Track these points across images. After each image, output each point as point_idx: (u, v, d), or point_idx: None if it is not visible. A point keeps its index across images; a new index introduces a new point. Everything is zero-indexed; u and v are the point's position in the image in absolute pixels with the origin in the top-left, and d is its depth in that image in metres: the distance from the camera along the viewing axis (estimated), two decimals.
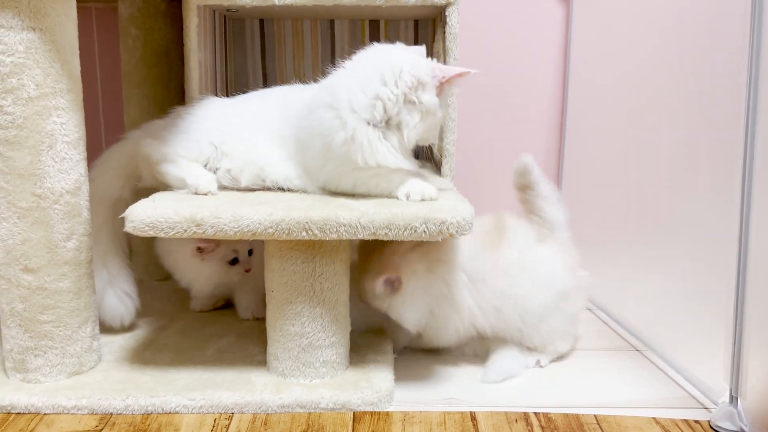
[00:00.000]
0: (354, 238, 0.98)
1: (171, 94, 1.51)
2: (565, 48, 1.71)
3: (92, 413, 0.99)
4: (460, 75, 1.05)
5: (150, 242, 1.41)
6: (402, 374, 1.13)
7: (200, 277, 1.30)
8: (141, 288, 1.54)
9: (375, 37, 1.64)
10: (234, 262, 1.27)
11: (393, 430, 0.96)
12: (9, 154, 0.97)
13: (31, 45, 0.96)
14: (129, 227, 0.97)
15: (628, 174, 1.36)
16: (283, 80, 1.64)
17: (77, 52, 1.04)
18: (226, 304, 1.41)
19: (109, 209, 1.20)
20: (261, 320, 1.32)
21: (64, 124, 1.01)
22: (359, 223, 0.97)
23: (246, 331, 1.27)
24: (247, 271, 1.28)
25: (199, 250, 1.23)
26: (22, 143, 0.97)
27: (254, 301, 1.33)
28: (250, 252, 1.28)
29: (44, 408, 1.00)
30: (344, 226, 0.96)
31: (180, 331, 1.27)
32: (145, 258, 1.56)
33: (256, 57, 1.64)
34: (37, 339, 1.03)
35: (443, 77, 1.04)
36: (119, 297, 1.22)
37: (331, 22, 1.63)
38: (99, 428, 0.96)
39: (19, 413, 0.99)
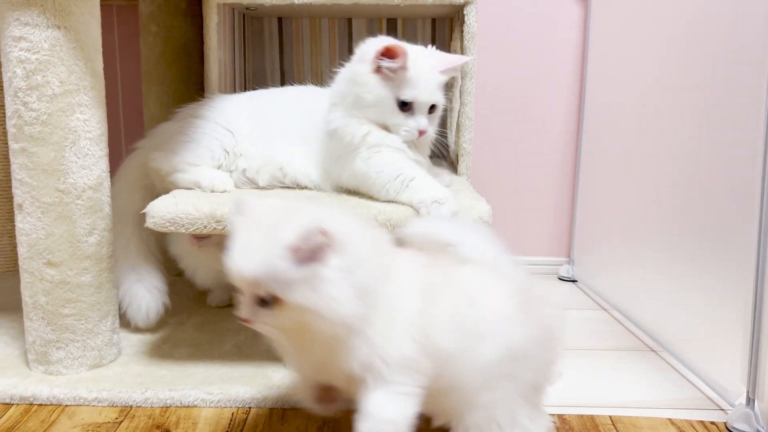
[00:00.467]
0: None
1: (190, 91, 1.53)
2: (582, 47, 1.70)
3: (112, 405, 1.01)
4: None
5: (165, 237, 1.42)
6: None
7: (199, 266, 1.31)
8: None
9: (392, 36, 1.64)
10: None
11: None
12: (33, 149, 0.99)
13: (55, 43, 0.97)
14: (150, 223, 0.98)
15: (645, 173, 1.36)
16: (301, 78, 1.65)
17: (100, 49, 1.05)
18: None
19: (134, 223, 1.21)
20: None
21: (87, 120, 1.02)
22: (376, 221, 0.97)
23: None
24: (198, 243, 1.25)
25: (195, 237, 1.23)
26: (46, 139, 0.99)
27: None
28: None
29: (66, 400, 1.01)
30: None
31: (197, 325, 1.29)
32: (161, 254, 1.57)
33: (274, 55, 1.65)
34: (59, 332, 1.05)
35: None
36: (148, 289, 1.22)
37: (349, 21, 1.64)
38: (119, 420, 0.97)
39: (42, 404, 1.01)
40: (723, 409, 1.04)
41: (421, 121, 1.05)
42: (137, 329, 1.24)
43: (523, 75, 1.72)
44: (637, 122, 1.40)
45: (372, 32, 1.64)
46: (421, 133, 1.05)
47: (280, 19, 1.64)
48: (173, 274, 1.59)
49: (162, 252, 1.52)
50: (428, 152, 1.16)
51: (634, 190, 1.41)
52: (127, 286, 1.20)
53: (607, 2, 1.58)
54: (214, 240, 1.25)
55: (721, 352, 1.07)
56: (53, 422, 0.97)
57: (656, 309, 1.32)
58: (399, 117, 1.05)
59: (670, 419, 1.00)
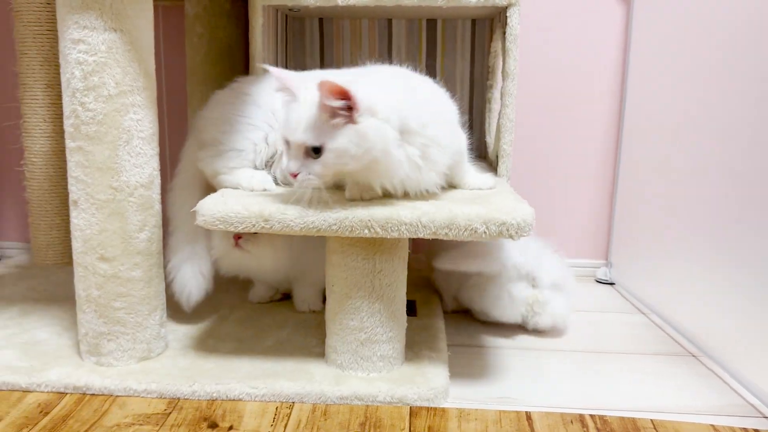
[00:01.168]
0: (414, 236, 1.00)
1: None
2: (624, 48, 1.69)
3: (161, 397, 1.04)
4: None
5: (208, 234, 1.45)
6: (456, 371, 1.15)
7: (237, 266, 1.33)
8: None
9: (432, 37, 1.65)
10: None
11: (449, 426, 0.98)
12: (89, 148, 1.03)
13: (112, 45, 1.01)
14: (200, 221, 1.01)
15: (687, 176, 1.35)
16: None
17: (153, 51, 1.08)
18: (282, 297, 1.45)
19: (201, 193, 1.23)
20: (317, 313, 1.36)
21: (140, 120, 1.06)
22: (420, 222, 0.98)
23: (303, 323, 1.31)
24: (236, 242, 1.26)
25: (236, 237, 1.26)
26: (101, 138, 1.03)
27: (311, 294, 1.37)
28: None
29: (116, 390, 1.05)
30: (405, 224, 0.99)
31: (240, 321, 1.31)
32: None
33: (315, 55, 1.67)
34: (111, 325, 1.09)
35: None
36: (194, 272, 1.25)
37: (389, 21, 1.65)
38: (167, 412, 1.01)
39: (94, 394, 1.05)
40: (766, 417, 1.03)
41: (290, 163, 0.98)
42: (183, 323, 1.28)
43: (563, 75, 1.72)
44: (679, 124, 1.38)
45: (412, 33, 1.65)
46: (293, 175, 0.97)
47: (321, 20, 1.66)
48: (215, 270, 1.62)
49: None
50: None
51: (675, 193, 1.40)
52: (177, 261, 1.24)
53: (651, 3, 1.56)
54: (253, 239, 1.27)
55: (763, 359, 1.06)
56: (105, 412, 1.00)
57: (697, 313, 1.31)
58: (285, 155, 1.01)
59: (713, 425, 1.00)
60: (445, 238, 0.99)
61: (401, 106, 0.99)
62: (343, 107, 0.93)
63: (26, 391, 1.05)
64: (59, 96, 1.61)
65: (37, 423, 0.96)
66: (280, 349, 1.18)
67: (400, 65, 1.12)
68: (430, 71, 1.67)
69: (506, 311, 1.32)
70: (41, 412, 1.00)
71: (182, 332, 1.25)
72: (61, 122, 1.61)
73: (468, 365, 1.19)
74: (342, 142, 0.94)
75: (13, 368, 1.09)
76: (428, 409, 1.03)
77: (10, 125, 1.79)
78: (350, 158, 0.95)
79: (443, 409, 1.03)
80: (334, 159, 0.95)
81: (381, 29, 1.66)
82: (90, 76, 1.01)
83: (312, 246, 1.31)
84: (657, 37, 1.52)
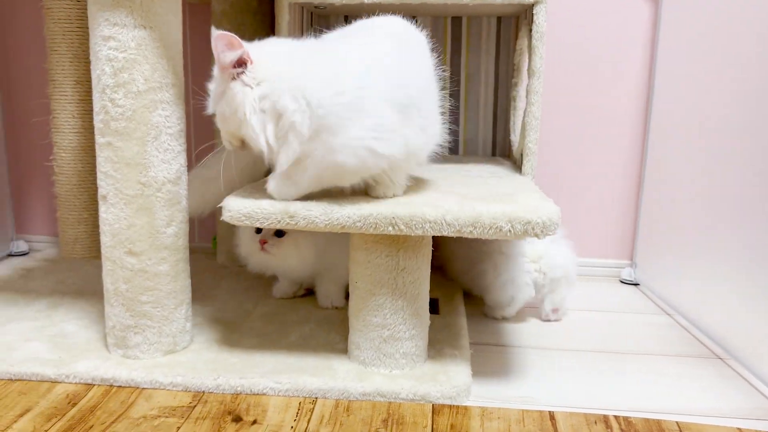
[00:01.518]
0: (438, 234, 1.00)
1: None
2: (652, 47, 1.67)
3: (186, 390, 1.06)
4: None
5: (232, 230, 1.47)
6: (478, 369, 1.14)
7: (263, 265, 1.35)
8: (224, 274, 1.62)
9: (457, 34, 1.65)
10: (258, 231, 1.30)
11: (472, 424, 0.98)
12: (119, 144, 1.04)
13: (141, 42, 1.02)
14: (226, 217, 1.02)
15: (714, 177, 1.33)
16: None
17: (181, 48, 1.10)
18: (305, 293, 1.46)
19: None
20: (340, 309, 1.37)
21: (168, 116, 1.07)
22: (444, 220, 0.98)
23: (326, 319, 1.31)
24: (262, 246, 1.28)
25: (262, 241, 1.28)
26: (130, 134, 1.04)
27: (334, 290, 1.38)
28: (279, 234, 1.29)
29: (143, 383, 1.06)
30: (429, 222, 0.99)
31: (264, 316, 1.33)
32: (228, 244, 1.63)
33: None
34: (138, 318, 1.10)
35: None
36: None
37: (414, 19, 1.65)
38: (192, 405, 1.02)
39: (121, 386, 1.07)
40: None
41: None
42: (207, 317, 1.30)
43: (588, 73, 1.70)
44: (707, 123, 1.36)
45: (437, 30, 1.65)
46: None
47: (346, 17, 1.66)
48: (239, 264, 1.64)
49: (229, 242, 1.57)
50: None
51: (702, 192, 1.38)
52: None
53: (680, 2, 1.54)
54: (277, 243, 1.29)
55: None
56: (132, 404, 1.02)
57: (723, 315, 1.29)
58: None
59: (739, 429, 0.98)
60: (469, 236, 0.99)
61: (298, 77, 0.94)
62: (237, 67, 0.95)
63: (55, 382, 1.07)
64: (88, 92, 1.64)
65: (65, 414, 0.98)
66: (304, 344, 1.19)
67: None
68: (455, 69, 1.67)
69: (511, 296, 1.37)
70: (69, 402, 1.01)
71: (207, 326, 1.26)
72: (90, 118, 1.64)
73: (490, 364, 1.19)
74: (221, 105, 0.97)
75: (42, 360, 1.11)
76: (451, 407, 1.03)
77: (40, 121, 1.82)
78: (226, 123, 0.98)
79: (465, 408, 1.03)
80: (219, 123, 0.99)
81: None
82: (120, 73, 1.02)
83: (335, 243, 1.32)
84: (685, 35, 1.50)
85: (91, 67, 1.05)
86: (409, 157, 1.03)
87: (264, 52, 0.97)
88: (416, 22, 1.65)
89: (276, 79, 0.95)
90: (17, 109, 1.85)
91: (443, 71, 1.16)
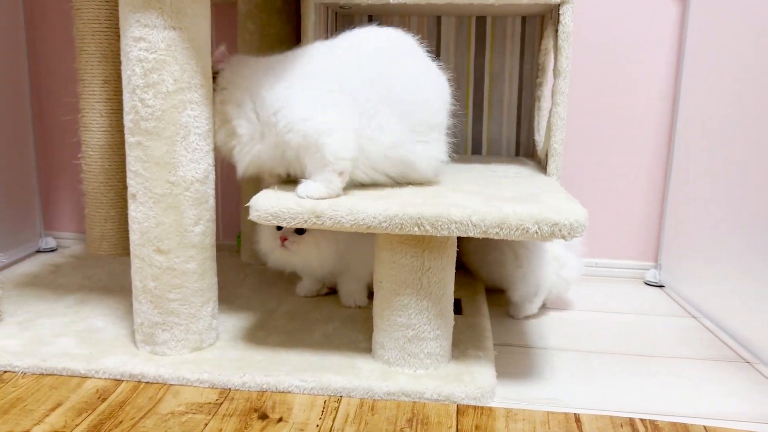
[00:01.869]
0: (464, 235, 1.00)
1: None
2: (679, 48, 1.65)
3: (213, 387, 1.07)
4: None
5: (256, 228, 1.48)
6: (502, 371, 1.14)
7: (283, 263, 1.37)
8: (248, 271, 1.63)
9: (481, 34, 1.65)
10: (279, 228, 1.30)
11: (497, 425, 0.98)
12: (148, 143, 1.06)
13: (171, 43, 1.03)
14: (253, 216, 1.03)
15: (741, 178, 1.31)
16: None
17: (209, 49, 1.11)
18: (328, 292, 1.47)
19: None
20: (362, 308, 1.37)
21: (197, 117, 1.08)
22: (470, 221, 0.98)
23: (349, 318, 1.32)
24: (282, 243, 1.30)
25: (282, 238, 1.30)
26: (159, 134, 1.06)
27: (357, 290, 1.38)
28: (300, 231, 1.30)
29: (170, 379, 1.08)
30: (455, 223, 0.99)
31: (288, 314, 1.34)
32: (252, 242, 1.64)
33: None
34: (165, 315, 1.12)
35: None
36: None
37: (438, 19, 1.65)
38: (219, 402, 1.03)
39: (149, 382, 1.08)
40: None
41: None
42: (233, 314, 1.31)
43: (614, 74, 1.69)
44: (733, 124, 1.35)
45: (461, 30, 1.65)
46: None
47: (370, 17, 1.66)
48: (262, 263, 1.65)
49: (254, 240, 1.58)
50: None
51: (728, 193, 1.36)
52: None
53: (707, 2, 1.52)
54: (298, 241, 1.30)
55: None
56: (160, 399, 1.03)
57: (751, 318, 1.28)
58: None
59: None
60: (495, 237, 0.99)
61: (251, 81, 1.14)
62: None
63: (84, 377, 1.09)
64: (116, 92, 1.66)
65: (95, 408, 1.00)
66: (327, 343, 1.20)
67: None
68: (479, 69, 1.66)
69: (536, 287, 1.39)
70: (99, 398, 1.03)
71: (232, 324, 1.28)
72: (117, 117, 1.66)
73: (515, 365, 1.19)
74: None
75: (72, 355, 1.13)
76: (475, 407, 1.03)
77: (69, 119, 1.85)
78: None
79: (490, 409, 1.03)
80: None
81: (430, 27, 1.66)
82: (150, 74, 1.03)
83: (358, 242, 1.33)
84: (713, 36, 1.48)
85: (122, 68, 1.06)
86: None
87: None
88: (440, 22, 1.65)
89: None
90: (47, 108, 1.88)
91: (448, 72, 1.18)
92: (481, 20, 1.64)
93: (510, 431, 0.96)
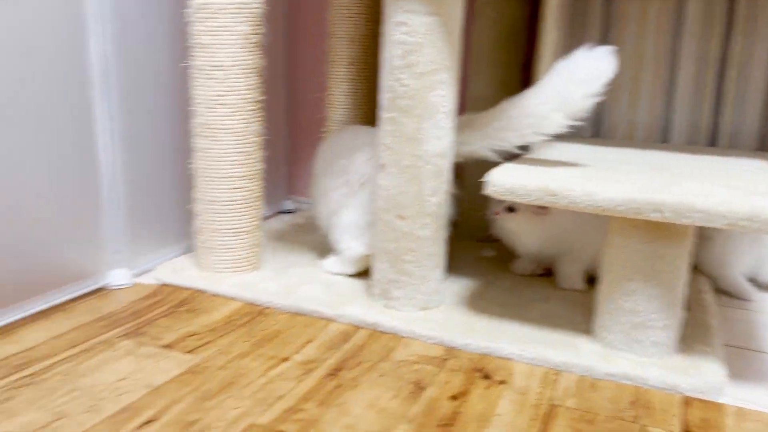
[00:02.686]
0: (707, 225, 0.97)
1: (513, 75, 1.63)
2: None
3: (439, 344, 1.17)
4: None
5: (474, 205, 1.56)
6: (731, 371, 1.10)
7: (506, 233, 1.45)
8: (465, 245, 1.71)
9: (730, 16, 1.54)
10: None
11: (726, 422, 0.95)
12: (401, 120, 1.17)
13: (429, 27, 1.13)
14: (491, 190, 1.10)
15: None
16: (622, 61, 1.63)
17: (460, 34, 1.19)
18: (543, 273, 1.50)
19: None
20: (578, 292, 1.39)
21: (444, 96, 1.17)
22: (717, 211, 0.96)
23: (567, 299, 1.35)
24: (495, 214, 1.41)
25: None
26: (411, 111, 1.17)
27: (575, 273, 1.40)
28: (512, 209, 1.39)
29: (402, 332, 1.20)
30: (699, 212, 0.97)
31: (505, 288, 1.40)
32: (470, 219, 1.72)
33: (594, 35, 1.66)
34: (400, 274, 1.24)
35: None
36: None
37: (681, 2, 1.58)
38: (445, 358, 1.13)
39: (383, 332, 1.21)
40: None
41: None
42: (454, 282, 1.40)
43: None
44: None
45: (709, 14, 1.56)
46: None
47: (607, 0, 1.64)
48: (477, 239, 1.73)
49: (471, 216, 1.66)
50: None
51: None
52: None
53: None
54: (507, 218, 1.37)
55: None
56: (392, 348, 1.15)
57: None
58: None
59: None
60: (742, 231, 0.95)
61: None
62: None
63: (330, 321, 1.25)
64: (359, 73, 1.83)
65: (340, 347, 1.15)
66: (545, 321, 1.24)
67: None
68: (724, 54, 1.56)
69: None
70: (343, 339, 1.18)
71: (452, 291, 1.37)
72: (359, 96, 1.83)
73: (745, 368, 1.13)
74: None
75: (320, 300, 1.30)
76: (702, 401, 1.01)
77: (317, 97, 2.08)
78: None
79: (719, 404, 1.00)
80: None
81: (673, 9, 1.59)
82: (408, 55, 1.14)
83: (584, 226, 1.34)
84: None
85: (383, 50, 1.19)
86: None
87: None
88: (685, 4, 1.57)
89: None
90: (299, 86, 2.13)
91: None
92: (732, 4, 1.54)
93: (741, 430, 0.93)
